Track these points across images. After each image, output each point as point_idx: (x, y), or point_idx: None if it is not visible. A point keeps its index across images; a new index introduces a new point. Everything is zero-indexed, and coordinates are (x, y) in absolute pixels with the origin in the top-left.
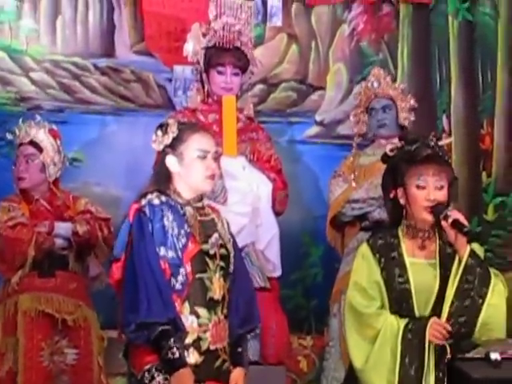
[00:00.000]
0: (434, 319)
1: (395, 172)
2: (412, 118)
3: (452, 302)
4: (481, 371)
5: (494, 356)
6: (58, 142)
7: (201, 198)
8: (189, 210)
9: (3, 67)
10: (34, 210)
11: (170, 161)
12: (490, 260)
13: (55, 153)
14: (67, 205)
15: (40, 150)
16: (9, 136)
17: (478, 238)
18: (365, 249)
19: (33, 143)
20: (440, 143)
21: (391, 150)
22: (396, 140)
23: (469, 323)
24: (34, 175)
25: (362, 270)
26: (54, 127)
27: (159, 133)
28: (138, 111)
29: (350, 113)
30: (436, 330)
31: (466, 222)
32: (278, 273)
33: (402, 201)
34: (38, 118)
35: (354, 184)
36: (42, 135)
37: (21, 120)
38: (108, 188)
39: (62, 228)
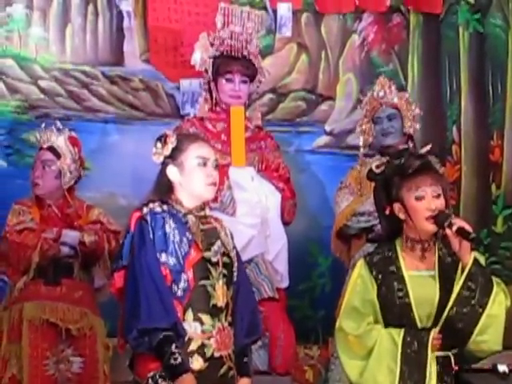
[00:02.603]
0: (433, 334)
1: (389, 187)
2: (417, 127)
3: (451, 307)
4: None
5: (502, 368)
6: (77, 149)
7: (203, 207)
8: (191, 218)
9: (12, 75)
10: (45, 215)
11: (171, 171)
12: (498, 272)
13: (73, 161)
14: (79, 214)
15: (58, 156)
16: (32, 138)
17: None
18: (361, 266)
19: (52, 149)
20: (421, 151)
21: (377, 167)
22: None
23: (465, 331)
24: (49, 182)
25: (356, 288)
26: (74, 135)
27: (158, 145)
28: (146, 120)
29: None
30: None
31: (470, 229)
32: (285, 284)
33: (401, 215)
34: (59, 124)
35: (360, 196)
36: (61, 142)
37: (43, 125)
38: (115, 197)
39: (69, 236)
